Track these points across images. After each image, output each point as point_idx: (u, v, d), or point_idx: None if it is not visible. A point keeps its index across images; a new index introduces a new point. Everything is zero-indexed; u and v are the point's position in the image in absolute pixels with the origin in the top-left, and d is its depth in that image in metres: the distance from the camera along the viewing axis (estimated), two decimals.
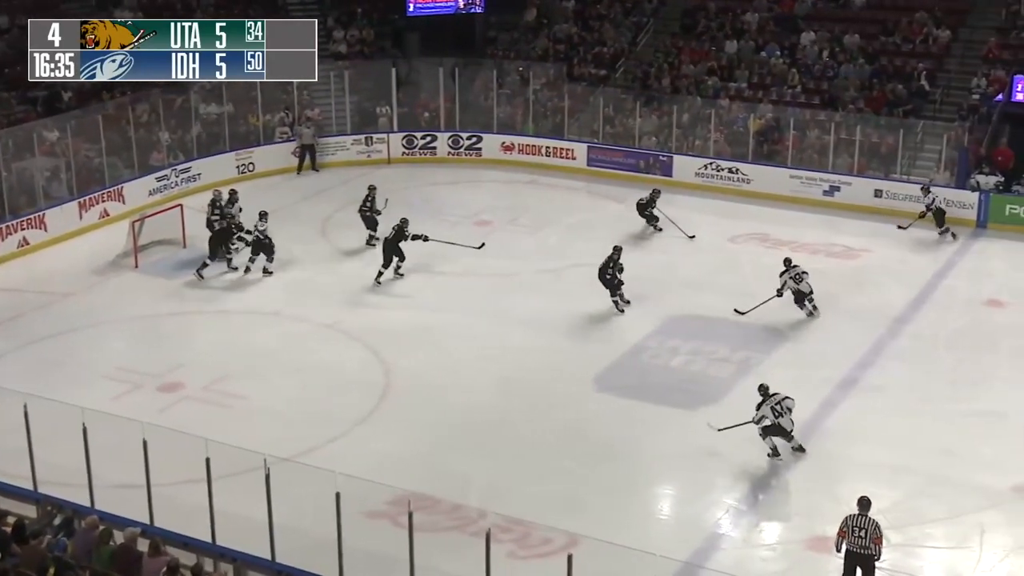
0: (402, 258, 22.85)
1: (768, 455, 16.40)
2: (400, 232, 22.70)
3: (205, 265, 23.20)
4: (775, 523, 15.34)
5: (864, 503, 13.21)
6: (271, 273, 23.25)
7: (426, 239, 22.95)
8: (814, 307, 21.09)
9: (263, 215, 23.25)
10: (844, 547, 13.18)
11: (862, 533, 13.04)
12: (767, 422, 16.32)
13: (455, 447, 16.89)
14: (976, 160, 27.30)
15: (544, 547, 14.12)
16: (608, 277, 21.29)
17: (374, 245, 24.44)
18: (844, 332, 20.54)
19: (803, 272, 20.89)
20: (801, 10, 33.10)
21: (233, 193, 24.50)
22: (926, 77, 29.78)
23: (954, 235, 25.33)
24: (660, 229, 25.76)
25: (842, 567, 13.27)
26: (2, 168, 24.97)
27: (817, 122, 29.06)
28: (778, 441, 16.41)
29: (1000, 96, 28.21)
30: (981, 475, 15.92)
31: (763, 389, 16.56)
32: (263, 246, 23.11)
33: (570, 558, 11.26)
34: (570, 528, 13.56)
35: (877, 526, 13.08)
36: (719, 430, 16.43)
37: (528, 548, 14.15)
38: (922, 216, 25.31)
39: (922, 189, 25.76)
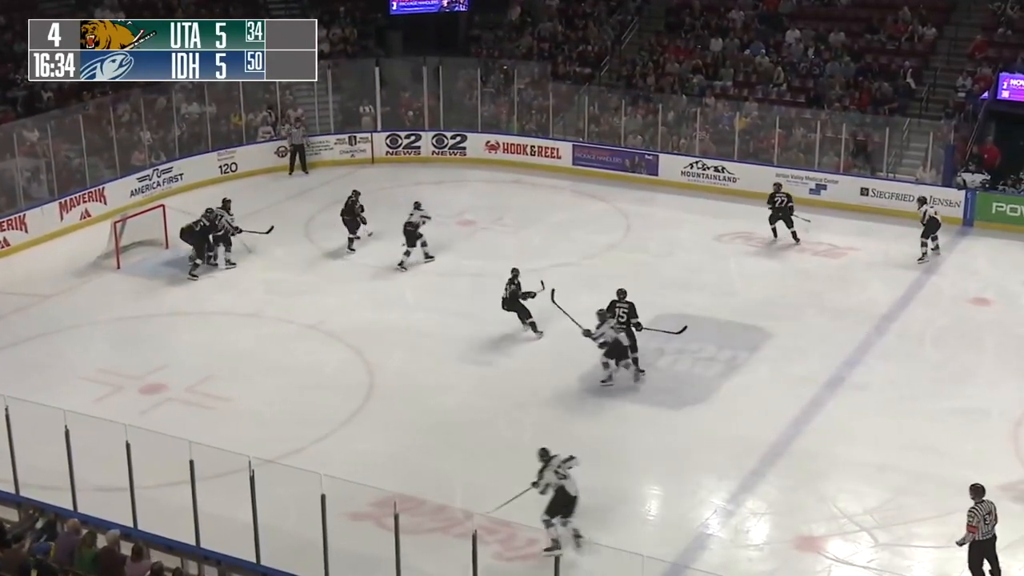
0: (526, 315, 20.29)
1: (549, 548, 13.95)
2: (516, 288, 20.32)
3: (214, 266, 23.26)
4: (762, 523, 15.25)
5: (979, 489, 13.18)
6: (432, 257, 23.65)
7: (527, 296, 20.29)
8: (627, 369, 18.29)
9: (417, 205, 23.48)
10: (970, 539, 13.13)
11: (991, 519, 13.04)
12: (551, 491, 13.98)
13: (439, 448, 16.81)
14: (963, 158, 27.32)
15: (530, 548, 14.05)
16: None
17: (354, 250, 24.38)
18: (830, 330, 20.52)
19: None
20: (786, 8, 33.08)
21: (226, 202, 24.04)
22: (912, 75, 29.81)
23: (937, 249, 23.96)
24: (799, 240, 24.76)
25: (969, 558, 13.20)
26: None
27: (802, 120, 29.05)
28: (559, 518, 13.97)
29: (986, 94, 28.27)
30: (967, 473, 15.80)
31: (543, 454, 14.22)
32: (414, 236, 23.33)
33: (557, 559, 11.21)
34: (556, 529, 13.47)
35: (994, 505, 13.14)
36: (496, 508, 14.01)
37: (514, 549, 14.10)
38: None
39: (918, 200, 24.47)
